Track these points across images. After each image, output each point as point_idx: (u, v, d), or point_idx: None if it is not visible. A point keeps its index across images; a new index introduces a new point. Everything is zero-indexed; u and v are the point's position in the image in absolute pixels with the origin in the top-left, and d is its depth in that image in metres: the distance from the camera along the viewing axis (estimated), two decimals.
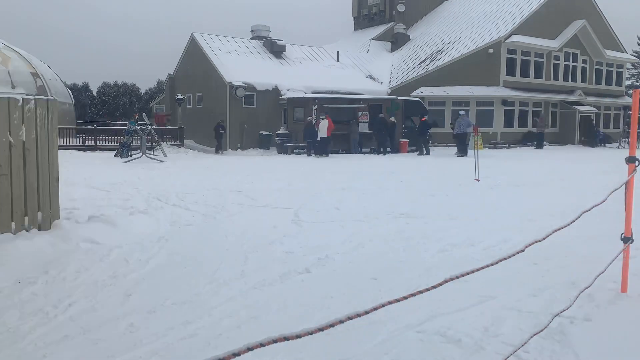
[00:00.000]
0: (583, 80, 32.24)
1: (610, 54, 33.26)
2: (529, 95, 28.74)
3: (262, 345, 1.45)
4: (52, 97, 6.39)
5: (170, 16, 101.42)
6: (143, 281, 4.76)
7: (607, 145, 29.56)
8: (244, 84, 24.13)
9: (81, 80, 47.37)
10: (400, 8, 35.82)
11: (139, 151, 18.52)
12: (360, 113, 22.98)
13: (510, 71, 28.59)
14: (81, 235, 6.01)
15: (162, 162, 17.25)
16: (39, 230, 6.13)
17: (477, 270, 2.36)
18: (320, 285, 4.62)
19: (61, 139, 20.31)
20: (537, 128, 26.50)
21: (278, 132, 23.30)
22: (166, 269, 5.11)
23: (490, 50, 28.06)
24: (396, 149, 22.64)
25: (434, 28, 33.99)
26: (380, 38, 35.70)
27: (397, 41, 34.10)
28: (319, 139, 20.37)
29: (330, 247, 5.91)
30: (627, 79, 39.85)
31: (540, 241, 2.68)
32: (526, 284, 4.52)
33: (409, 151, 22.89)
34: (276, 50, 27.74)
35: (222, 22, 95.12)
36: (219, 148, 23.41)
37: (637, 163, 3.99)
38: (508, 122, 28.57)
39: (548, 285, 4.47)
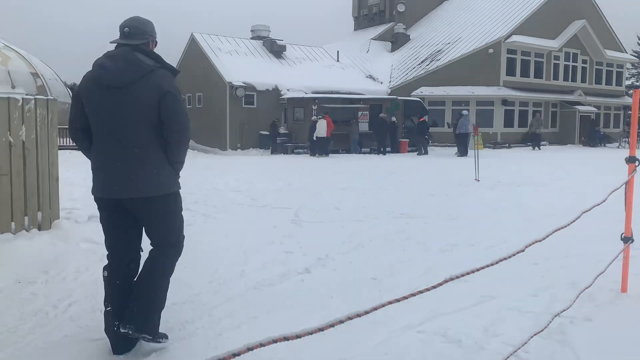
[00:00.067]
0: (583, 80, 32.25)
1: (610, 54, 33.26)
2: (529, 95, 28.74)
3: (262, 345, 1.45)
4: (52, 97, 6.39)
5: (171, 16, 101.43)
6: None
7: (607, 145, 29.57)
8: (244, 84, 24.13)
9: None
10: (400, 8, 35.83)
11: None
12: (360, 113, 22.99)
13: (510, 71, 28.60)
14: (81, 235, 6.01)
15: None
16: (39, 230, 6.12)
17: (477, 270, 2.36)
18: (320, 285, 4.62)
19: (61, 139, 20.30)
20: (532, 129, 26.24)
21: (278, 132, 23.31)
22: None
23: (490, 50, 28.07)
24: (396, 149, 22.65)
25: (434, 28, 34.00)
26: (380, 38, 35.72)
27: (397, 41, 34.11)
28: (314, 138, 20.39)
29: (330, 247, 5.91)
30: (627, 79, 39.87)
31: (540, 241, 2.68)
32: (526, 284, 4.52)
33: (409, 151, 22.89)
34: (276, 50, 27.75)
35: (222, 22, 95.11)
36: (275, 150, 22.62)
37: (637, 163, 3.99)
38: (508, 122, 28.59)
39: (548, 285, 4.47)
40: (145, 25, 3.41)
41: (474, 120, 26.86)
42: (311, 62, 28.54)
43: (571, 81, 31.58)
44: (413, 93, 27.56)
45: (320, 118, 20.54)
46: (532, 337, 3.07)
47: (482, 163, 13.46)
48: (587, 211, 3.17)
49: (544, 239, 2.71)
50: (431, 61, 29.50)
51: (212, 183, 11.33)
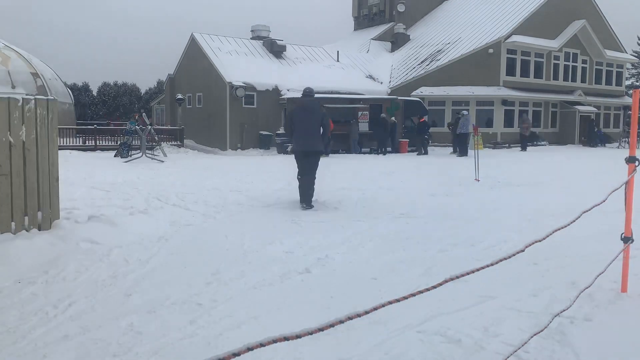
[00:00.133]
0: (583, 80, 32.25)
1: (610, 54, 33.27)
2: (529, 95, 28.75)
3: (262, 345, 1.45)
4: (52, 97, 6.39)
5: (171, 16, 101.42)
6: (143, 281, 4.75)
7: (607, 145, 29.57)
8: (244, 84, 24.13)
9: (81, 80, 47.41)
10: (400, 8, 35.82)
11: (139, 151, 18.53)
12: (360, 113, 22.99)
13: (510, 71, 28.60)
14: (81, 235, 6.01)
15: (162, 162, 17.25)
16: (39, 230, 6.13)
17: (477, 270, 2.36)
18: (320, 285, 4.62)
19: (61, 139, 20.32)
20: (521, 131, 25.73)
21: (278, 132, 23.31)
22: (166, 269, 5.11)
23: (490, 50, 28.07)
24: (396, 149, 22.65)
25: (434, 28, 34.00)
26: (380, 38, 35.72)
27: (397, 41, 34.11)
28: None
29: (330, 247, 5.91)
30: (627, 79, 39.88)
31: (540, 241, 2.68)
32: (526, 284, 4.52)
33: (408, 151, 22.90)
34: (276, 50, 27.75)
35: (222, 22, 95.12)
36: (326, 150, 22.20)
37: (637, 163, 3.99)
38: (508, 122, 28.59)
39: (548, 285, 4.47)
40: (312, 91, 8.78)
41: (473, 120, 26.88)
42: (311, 62, 28.54)
43: (571, 81, 31.58)
44: (413, 93, 27.57)
45: None
46: (532, 337, 3.07)
47: (482, 163, 13.46)
48: (587, 211, 3.17)
49: (544, 239, 2.71)
50: (431, 61, 29.51)
51: (212, 183, 11.33)
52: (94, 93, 44.13)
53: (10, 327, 3.70)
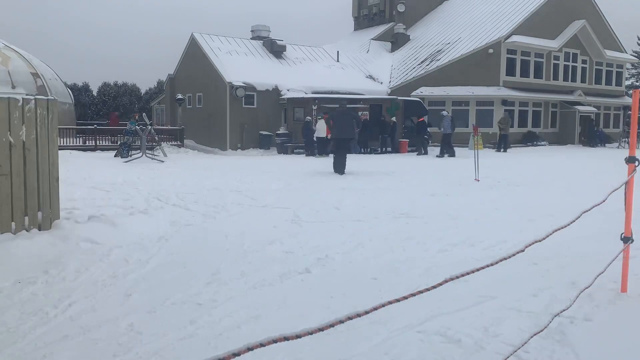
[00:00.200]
0: (583, 80, 32.25)
1: (610, 54, 33.27)
2: (529, 95, 28.75)
3: (262, 345, 1.45)
4: (52, 97, 6.39)
5: (171, 16, 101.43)
6: (143, 281, 4.76)
7: (607, 145, 29.57)
8: (244, 84, 24.13)
9: (81, 80, 47.41)
10: (400, 8, 35.83)
11: (139, 151, 18.53)
12: (360, 113, 23.00)
13: (510, 71, 28.59)
14: (81, 235, 6.01)
15: (162, 162, 17.26)
16: (39, 230, 6.13)
17: (477, 270, 2.36)
18: (320, 285, 4.62)
19: (61, 139, 20.32)
20: (500, 130, 24.98)
21: (278, 132, 23.31)
22: (166, 269, 5.11)
23: (490, 50, 28.07)
24: (396, 149, 22.65)
25: (434, 28, 34.00)
26: (380, 38, 35.72)
27: (397, 41, 34.11)
28: (314, 138, 20.39)
29: (330, 247, 5.91)
30: (627, 79, 39.88)
31: (540, 241, 2.68)
32: (526, 284, 4.52)
33: (408, 151, 22.91)
34: (276, 50, 27.75)
35: (222, 22, 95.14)
36: (326, 150, 20.95)
37: (637, 163, 3.99)
38: None
39: (548, 285, 4.47)
40: (346, 102, 15.22)
41: (474, 120, 26.87)
42: (311, 62, 28.54)
43: (571, 81, 31.58)
44: (413, 93, 27.56)
45: (320, 118, 20.53)
46: (532, 337, 3.07)
47: (481, 163, 13.47)
48: (587, 211, 3.17)
49: (544, 239, 2.71)
50: (431, 61, 29.51)
51: (212, 183, 11.33)
52: (94, 93, 44.14)
53: (10, 327, 3.70)
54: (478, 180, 11.88)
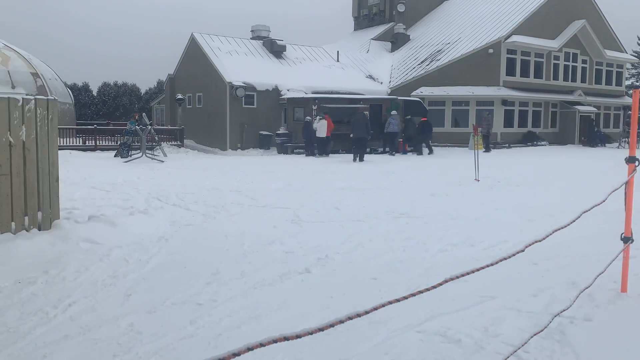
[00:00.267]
0: (583, 80, 32.24)
1: (610, 54, 33.26)
2: (529, 95, 28.74)
3: (262, 345, 1.45)
4: (52, 97, 6.39)
5: (171, 16, 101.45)
6: (143, 281, 4.76)
7: (607, 145, 29.57)
8: (244, 84, 24.13)
9: (81, 80, 47.39)
10: (400, 8, 35.81)
11: (139, 151, 18.53)
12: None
13: (510, 71, 28.59)
14: (81, 235, 6.01)
15: (162, 162, 17.26)
16: (39, 230, 6.13)
17: (477, 270, 2.36)
18: (320, 285, 4.62)
19: (61, 139, 20.32)
20: (482, 130, 24.84)
21: (278, 132, 23.30)
22: (166, 269, 5.11)
23: (490, 50, 28.07)
24: (396, 149, 22.65)
25: (434, 28, 33.99)
26: (380, 38, 35.71)
27: (397, 41, 34.10)
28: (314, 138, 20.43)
29: (330, 247, 5.91)
30: (627, 79, 39.86)
31: (540, 241, 2.68)
32: (526, 284, 4.52)
33: (408, 151, 22.91)
34: (276, 50, 27.74)
35: (222, 22, 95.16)
36: (326, 150, 20.74)
37: (637, 163, 3.99)
38: (508, 122, 28.57)
39: (548, 285, 4.47)
40: (361, 108, 20.83)
41: (474, 120, 26.84)
42: (311, 62, 28.53)
43: (571, 81, 31.56)
44: (413, 93, 27.55)
45: (321, 118, 20.54)
46: (532, 337, 3.07)
47: (481, 163, 13.47)
48: (587, 211, 3.17)
49: (544, 239, 2.71)
50: (431, 61, 29.50)
51: (212, 183, 11.33)
52: (94, 93, 44.13)
53: (10, 327, 3.70)
54: (478, 181, 11.88)
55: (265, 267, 5.14)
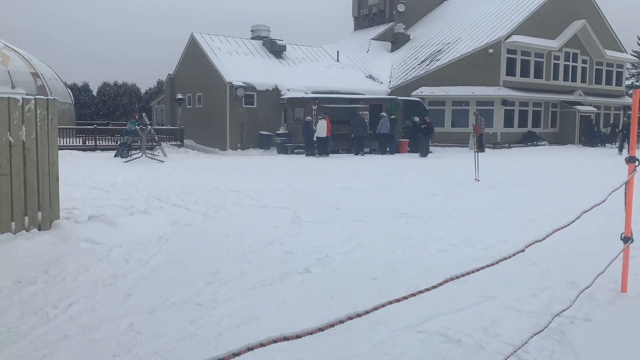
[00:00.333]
0: (583, 80, 32.24)
1: (610, 54, 33.26)
2: (529, 95, 28.74)
3: (262, 345, 1.45)
4: (52, 97, 6.39)
5: (171, 16, 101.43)
6: (143, 281, 4.76)
7: (607, 145, 29.55)
8: (244, 84, 24.13)
9: (81, 80, 47.36)
10: (400, 8, 35.81)
11: (139, 151, 18.53)
12: (360, 113, 23.00)
13: (510, 71, 28.58)
14: (81, 235, 6.01)
15: (162, 162, 17.26)
16: (39, 230, 6.13)
17: (477, 270, 2.36)
18: (320, 285, 4.62)
19: (61, 139, 20.31)
20: (475, 132, 24.62)
21: (278, 132, 23.30)
22: (166, 269, 5.11)
23: (490, 50, 28.07)
24: (396, 149, 22.65)
25: (434, 28, 33.99)
26: (380, 38, 35.70)
27: (397, 41, 34.10)
28: (315, 138, 20.41)
29: (330, 247, 5.91)
30: (627, 79, 39.85)
31: (540, 241, 2.68)
32: (526, 284, 4.52)
33: (408, 151, 22.90)
34: (276, 50, 27.74)
35: (222, 22, 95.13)
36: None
37: (637, 163, 3.99)
38: (508, 122, 28.57)
39: (548, 285, 4.47)
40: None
41: (473, 120, 26.82)
42: (311, 62, 28.53)
43: (571, 81, 31.56)
44: (413, 93, 27.55)
45: (321, 118, 20.54)
46: (532, 337, 3.07)
47: (482, 163, 13.47)
48: (587, 211, 3.17)
49: (544, 239, 2.71)
50: (431, 61, 29.50)
51: (212, 183, 11.33)
52: (94, 93, 44.12)
53: (10, 327, 3.70)
54: (478, 181, 11.88)
55: (265, 267, 5.14)
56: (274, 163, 17.28)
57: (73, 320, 3.85)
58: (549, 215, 7.67)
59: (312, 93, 24.01)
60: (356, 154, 21.09)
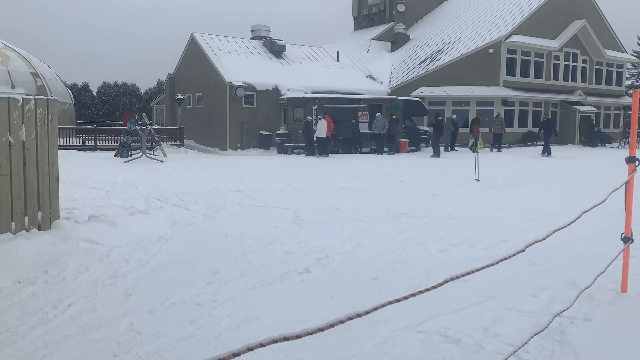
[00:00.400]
0: (583, 80, 32.24)
1: (610, 54, 33.26)
2: (529, 95, 28.74)
3: (262, 345, 1.45)
4: (52, 97, 6.39)
5: (171, 16, 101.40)
6: (143, 281, 4.76)
7: (607, 145, 29.57)
8: (244, 84, 24.12)
9: (81, 80, 47.35)
10: (400, 8, 35.81)
11: (139, 151, 18.53)
12: (360, 113, 23.00)
13: (510, 71, 28.58)
14: (81, 235, 6.01)
15: (162, 162, 17.26)
16: (39, 230, 6.13)
17: (477, 270, 2.36)
18: (320, 285, 4.62)
19: (61, 139, 20.32)
20: (496, 130, 24.42)
21: (278, 132, 23.30)
22: (166, 269, 5.11)
23: (490, 50, 28.06)
24: (396, 149, 22.65)
25: (434, 28, 33.99)
26: (380, 38, 35.70)
27: (397, 41, 34.10)
28: (315, 138, 20.42)
29: (330, 247, 5.91)
30: (627, 79, 39.85)
31: (540, 241, 2.68)
32: (526, 284, 4.52)
33: (408, 151, 22.91)
34: (276, 50, 27.74)
35: (222, 22, 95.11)
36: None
37: (637, 163, 3.99)
38: (508, 122, 28.55)
39: (548, 285, 4.47)
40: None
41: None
42: (311, 62, 28.53)
43: (571, 81, 31.56)
44: (413, 93, 27.55)
45: (321, 118, 20.54)
46: (532, 337, 3.07)
47: (482, 163, 13.47)
48: (587, 211, 3.17)
49: (544, 239, 2.71)
50: (431, 61, 29.50)
51: (212, 183, 11.33)
52: (94, 93, 44.11)
53: (10, 327, 3.70)
54: (478, 181, 11.88)
55: (265, 267, 5.14)
56: (274, 163, 17.28)
57: (73, 320, 3.85)
58: (549, 215, 7.67)
59: (312, 93, 24.01)
60: (347, 153, 21.70)
